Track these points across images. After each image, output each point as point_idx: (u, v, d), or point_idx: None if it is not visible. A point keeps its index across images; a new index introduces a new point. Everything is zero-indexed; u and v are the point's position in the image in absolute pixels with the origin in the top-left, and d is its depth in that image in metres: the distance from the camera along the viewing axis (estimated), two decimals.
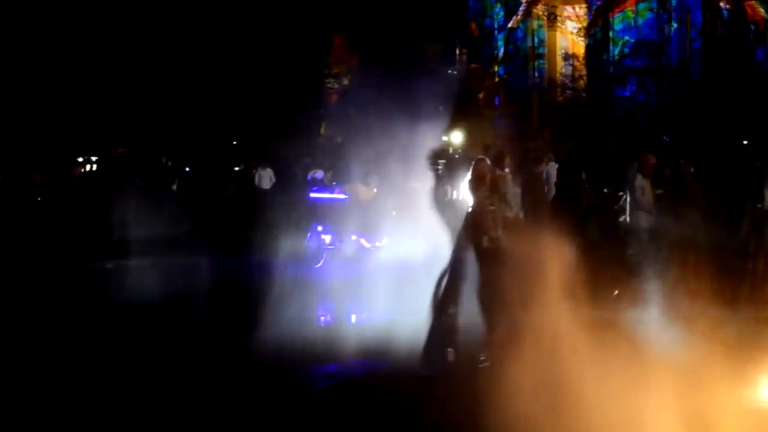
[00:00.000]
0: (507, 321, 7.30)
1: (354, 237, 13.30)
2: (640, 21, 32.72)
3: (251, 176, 20.90)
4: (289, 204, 15.67)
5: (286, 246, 12.86)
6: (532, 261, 7.37)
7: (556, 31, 35.52)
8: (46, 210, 15.03)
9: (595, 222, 11.41)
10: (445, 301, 8.44)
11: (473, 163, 9.20)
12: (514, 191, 11.36)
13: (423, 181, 10.82)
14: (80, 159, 26.13)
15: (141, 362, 7.74)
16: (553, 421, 5.56)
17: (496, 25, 37.44)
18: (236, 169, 24.71)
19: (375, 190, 13.59)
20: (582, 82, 33.15)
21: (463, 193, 9.52)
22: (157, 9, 30.91)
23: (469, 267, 8.50)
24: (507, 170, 10.90)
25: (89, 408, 6.51)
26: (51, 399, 6.73)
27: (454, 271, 8.51)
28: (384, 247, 12.92)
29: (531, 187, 12.30)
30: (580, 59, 33.57)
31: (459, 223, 9.05)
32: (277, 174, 20.16)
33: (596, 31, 33.78)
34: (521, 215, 11.14)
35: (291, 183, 18.49)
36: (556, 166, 14.62)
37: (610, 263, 10.05)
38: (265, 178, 20.27)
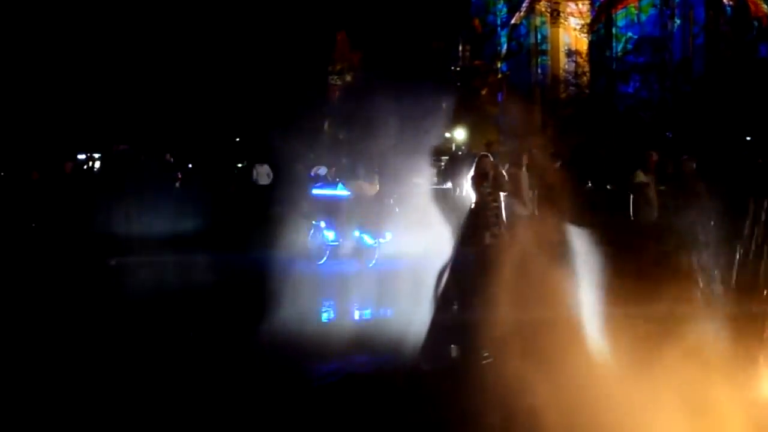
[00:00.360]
0: (509, 317, 7.29)
1: (357, 233, 13.29)
2: (643, 17, 32.69)
3: (251, 173, 20.89)
4: (290, 200, 15.64)
5: (289, 242, 12.84)
6: (542, 257, 7.36)
7: (559, 27, 35.51)
8: (40, 207, 15.01)
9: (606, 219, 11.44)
10: (446, 296, 8.45)
11: (476, 159, 9.22)
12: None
13: (426, 178, 10.83)
14: (83, 156, 26.21)
15: (144, 359, 7.74)
16: (555, 417, 5.55)
17: (499, 22, 37.37)
18: (239, 165, 24.69)
19: (377, 187, 13.57)
20: (585, 79, 33.15)
21: (465, 190, 9.53)
22: (160, 6, 30.90)
23: (470, 263, 8.52)
24: (524, 169, 10.90)
25: (89, 406, 6.52)
26: (52, 395, 6.75)
27: (456, 266, 8.53)
28: (387, 244, 12.92)
29: (548, 184, 12.26)
30: (583, 56, 33.56)
31: (461, 219, 9.06)
32: (278, 170, 20.13)
33: (599, 28, 33.78)
34: (536, 212, 11.15)
35: (292, 179, 18.47)
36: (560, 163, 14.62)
37: (624, 260, 10.02)
38: (263, 175, 20.23)
